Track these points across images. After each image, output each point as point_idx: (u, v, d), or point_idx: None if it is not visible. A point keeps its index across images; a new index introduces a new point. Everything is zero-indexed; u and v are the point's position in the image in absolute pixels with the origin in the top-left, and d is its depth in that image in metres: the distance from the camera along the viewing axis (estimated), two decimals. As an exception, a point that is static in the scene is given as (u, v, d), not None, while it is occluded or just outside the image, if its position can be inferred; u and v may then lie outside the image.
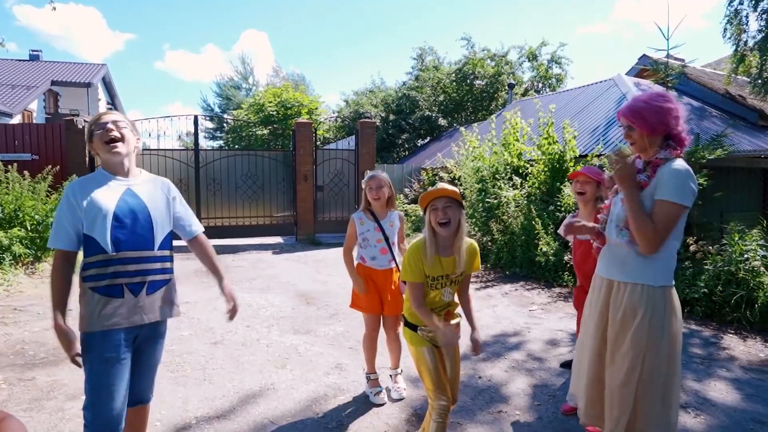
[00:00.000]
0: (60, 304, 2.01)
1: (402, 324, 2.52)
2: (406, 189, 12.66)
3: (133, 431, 2.28)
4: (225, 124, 28.69)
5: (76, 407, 3.15)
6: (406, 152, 20.53)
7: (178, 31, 70.15)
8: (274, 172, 11.40)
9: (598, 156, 7.67)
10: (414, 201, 11.92)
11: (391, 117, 20.78)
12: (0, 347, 4.24)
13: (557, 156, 7.87)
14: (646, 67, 10.70)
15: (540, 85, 22.68)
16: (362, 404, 3.26)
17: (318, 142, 12.96)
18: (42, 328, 4.78)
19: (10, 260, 6.94)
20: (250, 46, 68.49)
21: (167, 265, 2.23)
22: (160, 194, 2.23)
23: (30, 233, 7.49)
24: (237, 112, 25.43)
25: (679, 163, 2.09)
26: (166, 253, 2.22)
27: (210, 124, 31.67)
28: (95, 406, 1.97)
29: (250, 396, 3.37)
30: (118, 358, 2.00)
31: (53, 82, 21.54)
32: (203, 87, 68.61)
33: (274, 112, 20.31)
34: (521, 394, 3.43)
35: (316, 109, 21.31)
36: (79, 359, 2.00)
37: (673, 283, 2.17)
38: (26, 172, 8.34)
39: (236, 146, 22.76)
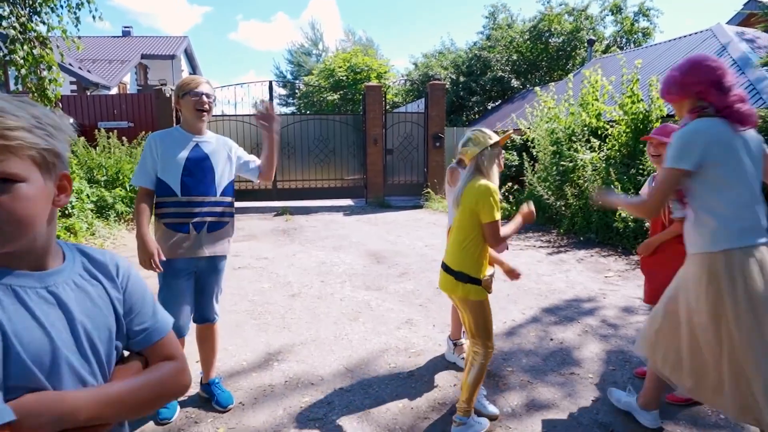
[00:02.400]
0: (145, 224, 2.39)
1: (462, 283, 2.32)
2: (475, 153, 12.38)
3: (206, 344, 2.74)
4: (297, 90, 29.27)
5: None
6: (477, 115, 19.91)
7: (249, 1, 71.63)
8: (344, 136, 11.54)
9: (689, 115, 7.01)
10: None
11: (462, 79, 20.11)
12: (109, 292, 4.75)
13: (641, 116, 7.28)
14: (754, 12, 9.47)
15: (624, 40, 20.87)
16: (432, 357, 3.33)
17: (387, 106, 12.88)
18: (144, 276, 5.26)
19: (114, 217, 7.68)
20: (318, 13, 68.72)
21: (228, 209, 2.59)
22: (221, 150, 2.58)
23: (129, 193, 8.21)
24: (308, 78, 25.81)
25: (686, 127, 2.02)
26: (228, 199, 2.58)
27: (282, 91, 32.47)
28: None
29: (326, 344, 3.55)
30: (177, 282, 2.47)
31: (143, 56, 22.96)
32: (274, 55, 70.72)
33: (344, 77, 20.38)
34: (594, 359, 3.33)
35: (386, 73, 21.13)
36: (157, 262, 2.36)
37: (742, 244, 1.92)
38: (124, 138, 9.07)
39: (308, 111, 23.20)
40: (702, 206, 2.02)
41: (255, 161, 2.72)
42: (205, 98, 2.45)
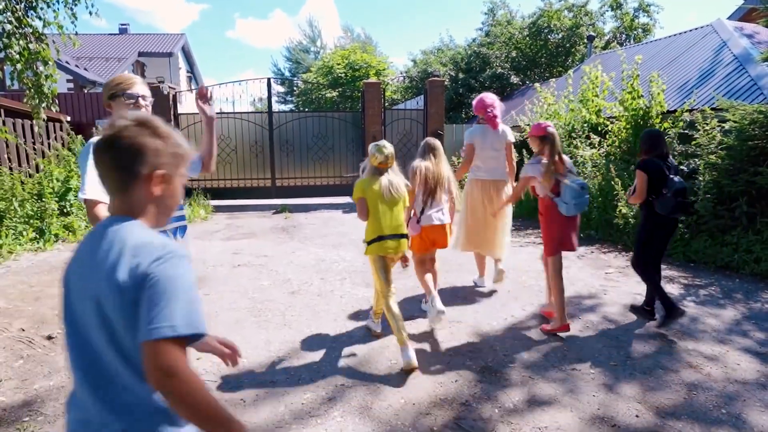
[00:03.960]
0: None
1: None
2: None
3: None
4: (295, 88, 29.23)
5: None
6: (476, 112, 19.90)
7: (247, -2, 71.46)
8: (343, 133, 11.53)
9: (690, 111, 7.01)
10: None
11: (461, 76, 20.09)
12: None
13: (642, 111, 7.29)
14: (755, 7, 9.47)
15: (623, 37, 20.84)
16: (434, 353, 3.34)
17: (386, 103, 12.87)
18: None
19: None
20: (316, 10, 68.59)
21: (184, 212, 2.52)
22: None
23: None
24: (306, 75, 25.76)
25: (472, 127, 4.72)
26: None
27: (281, 89, 32.39)
28: None
29: (327, 341, 3.56)
30: None
31: (140, 54, 22.88)
32: (272, 53, 70.57)
33: (343, 74, 20.35)
34: (596, 355, 3.34)
35: (384, 70, 21.09)
36: None
37: (483, 177, 4.56)
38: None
39: (306, 109, 23.17)
40: (475, 161, 4.57)
41: (195, 154, 2.49)
42: (141, 101, 2.23)
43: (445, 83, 12.95)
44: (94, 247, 1.08)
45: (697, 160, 6.22)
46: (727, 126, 5.98)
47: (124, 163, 1.10)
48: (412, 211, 3.89)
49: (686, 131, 6.71)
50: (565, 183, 3.52)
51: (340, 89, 20.07)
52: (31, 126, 8.28)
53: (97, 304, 1.04)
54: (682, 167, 6.43)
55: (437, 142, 4.07)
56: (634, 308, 4.10)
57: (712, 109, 6.53)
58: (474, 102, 4.57)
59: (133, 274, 1.01)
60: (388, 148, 3.50)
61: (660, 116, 7.25)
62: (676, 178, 3.61)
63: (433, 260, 4.01)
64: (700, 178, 5.92)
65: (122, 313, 1.01)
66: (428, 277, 3.83)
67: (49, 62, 5.13)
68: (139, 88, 2.23)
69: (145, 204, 1.13)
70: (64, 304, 1.12)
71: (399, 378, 3.01)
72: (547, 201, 3.64)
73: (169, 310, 0.98)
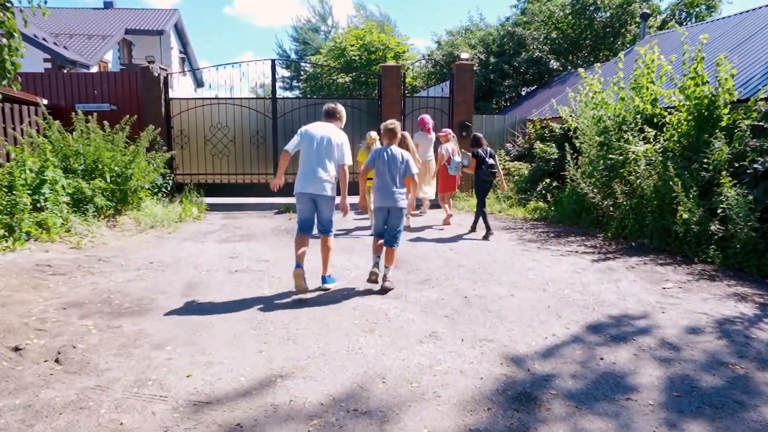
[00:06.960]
0: None
1: None
2: (507, 144, 12.22)
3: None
4: (302, 72, 29.40)
5: (161, 356, 3.48)
6: (509, 102, 19.80)
7: (250, -30, 72.18)
8: (357, 123, 11.50)
9: (766, 99, 6.84)
10: (518, 158, 11.51)
11: (492, 60, 20.01)
12: (88, 295, 4.77)
13: (707, 100, 7.13)
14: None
15: (683, 15, 20.57)
16: (460, 376, 3.27)
17: (406, 90, 12.84)
18: (125, 279, 5.30)
19: (93, 212, 7.74)
20: (327, -16, 68.85)
21: None
22: None
23: (110, 185, 8.26)
24: (315, 57, 25.88)
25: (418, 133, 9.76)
26: None
27: (286, 72, 32.67)
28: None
29: (337, 359, 3.50)
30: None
31: (127, 31, 23.22)
32: (276, 32, 70.90)
33: (357, 57, 20.39)
34: (654, 384, 3.23)
35: (404, 53, 21.09)
36: None
37: (423, 158, 9.17)
38: (106, 122, 9.13)
39: (315, 96, 23.27)
40: (419, 149, 8.88)
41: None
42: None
43: (475, 68, 12.88)
44: (393, 153, 5.23)
45: (774, 157, 6.05)
46: (811, 118, 5.81)
47: (396, 133, 5.31)
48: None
49: (761, 123, 6.54)
50: (452, 158, 8.25)
51: (353, 74, 20.11)
52: (2, 109, 8.40)
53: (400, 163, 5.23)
54: (755, 165, 6.27)
55: (406, 134, 7.79)
56: (472, 229, 7.98)
57: (794, 97, 6.36)
58: (419, 118, 9.68)
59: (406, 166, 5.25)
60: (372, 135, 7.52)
61: (729, 106, 7.08)
62: (490, 161, 7.76)
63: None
64: (778, 179, 5.76)
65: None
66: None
67: (15, 34, 5.10)
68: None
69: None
70: (379, 163, 5.28)
71: (421, 404, 2.94)
72: (444, 166, 8.55)
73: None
